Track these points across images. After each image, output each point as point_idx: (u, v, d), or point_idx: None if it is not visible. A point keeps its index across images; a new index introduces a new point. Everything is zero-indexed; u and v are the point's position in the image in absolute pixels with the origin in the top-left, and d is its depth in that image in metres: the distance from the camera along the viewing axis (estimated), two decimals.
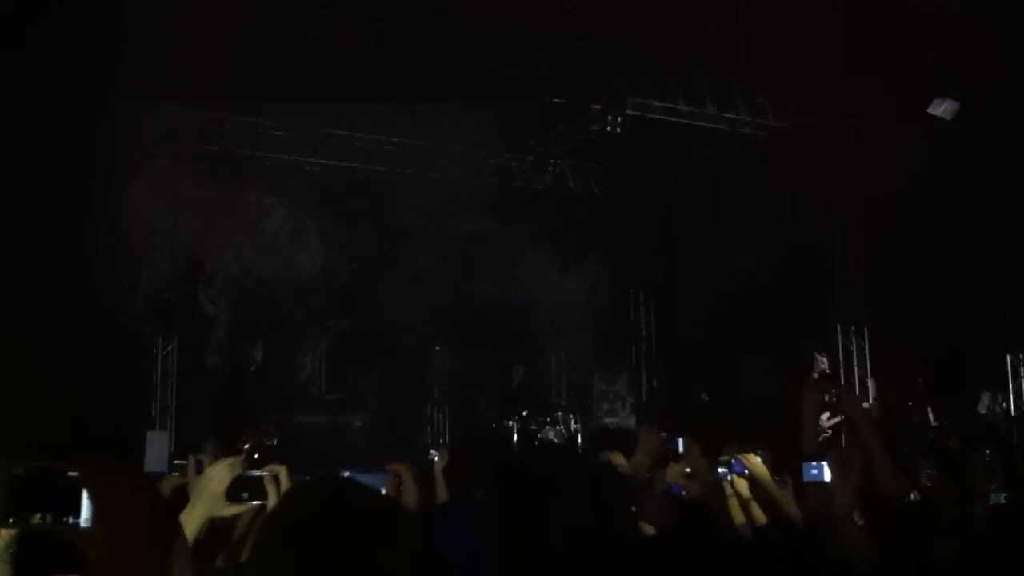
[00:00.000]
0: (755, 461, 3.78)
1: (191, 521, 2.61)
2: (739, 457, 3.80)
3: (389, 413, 10.90)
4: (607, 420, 10.38)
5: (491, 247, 11.79)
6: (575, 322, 12.14)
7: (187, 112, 10.17)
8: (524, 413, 10.95)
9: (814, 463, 3.20)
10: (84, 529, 1.43)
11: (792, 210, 10.87)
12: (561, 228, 12.19)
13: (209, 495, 2.72)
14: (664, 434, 4.27)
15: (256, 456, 7.20)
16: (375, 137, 11.24)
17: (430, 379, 12.04)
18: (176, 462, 4.27)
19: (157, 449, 9.05)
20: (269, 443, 8.80)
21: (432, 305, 11.72)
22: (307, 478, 2.78)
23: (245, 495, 2.76)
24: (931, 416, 9.27)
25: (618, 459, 4.18)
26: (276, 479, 2.71)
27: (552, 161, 12.02)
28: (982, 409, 9.52)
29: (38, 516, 1.47)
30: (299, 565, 1.52)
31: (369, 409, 10.96)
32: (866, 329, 10.97)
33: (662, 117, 10.72)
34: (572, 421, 10.89)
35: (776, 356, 10.66)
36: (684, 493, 4.19)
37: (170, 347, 10.73)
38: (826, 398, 3.47)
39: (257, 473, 2.74)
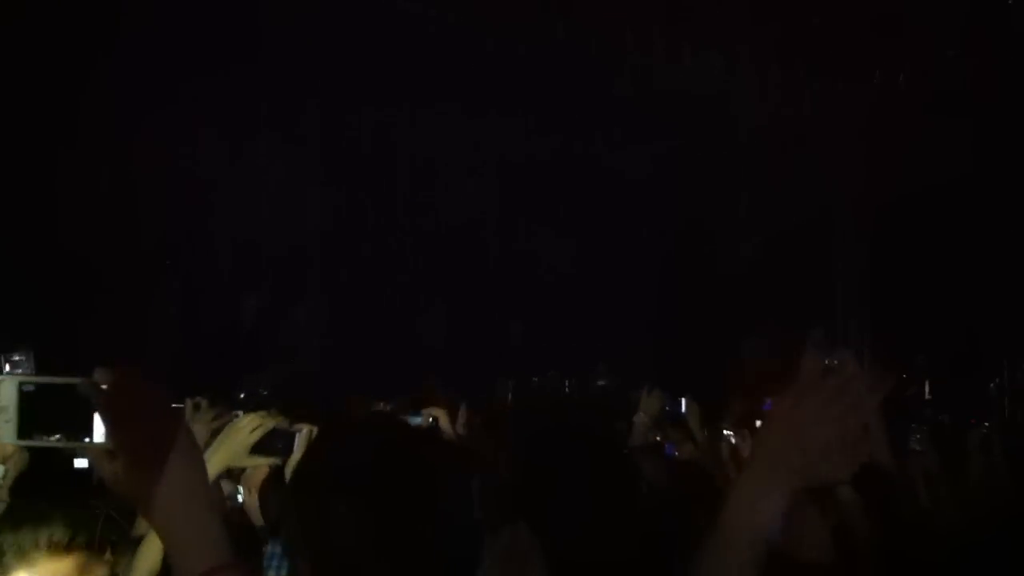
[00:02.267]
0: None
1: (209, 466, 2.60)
2: None
3: (381, 368, 10.86)
4: (600, 382, 10.36)
5: (491, 207, 11.77)
6: (573, 283, 12.12)
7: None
8: (520, 372, 10.94)
9: None
10: (96, 445, 1.42)
11: (798, 193, 10.88)
12: (561, 193, 12.15)
13: (235, 444, 2.70)
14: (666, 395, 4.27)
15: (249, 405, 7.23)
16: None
17: (423, 335, 11.95)
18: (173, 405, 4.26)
19: None
20: (263, 392, 8.80)
21: (427, 260, 11.71)
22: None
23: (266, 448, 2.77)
24: (927, 390, 9.31)
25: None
26: (310, 435, 2.70)
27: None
28: None
29: (51, 435, 1.46)
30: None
31: (361, 363, 10.92)
32: (869, 313, 11.00)
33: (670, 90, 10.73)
34: (566, 382, 10.88)
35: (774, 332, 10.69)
36: (677, 454, 4.20)
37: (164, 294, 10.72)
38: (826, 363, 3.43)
39: (292, 428, 2.74)
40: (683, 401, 4.20)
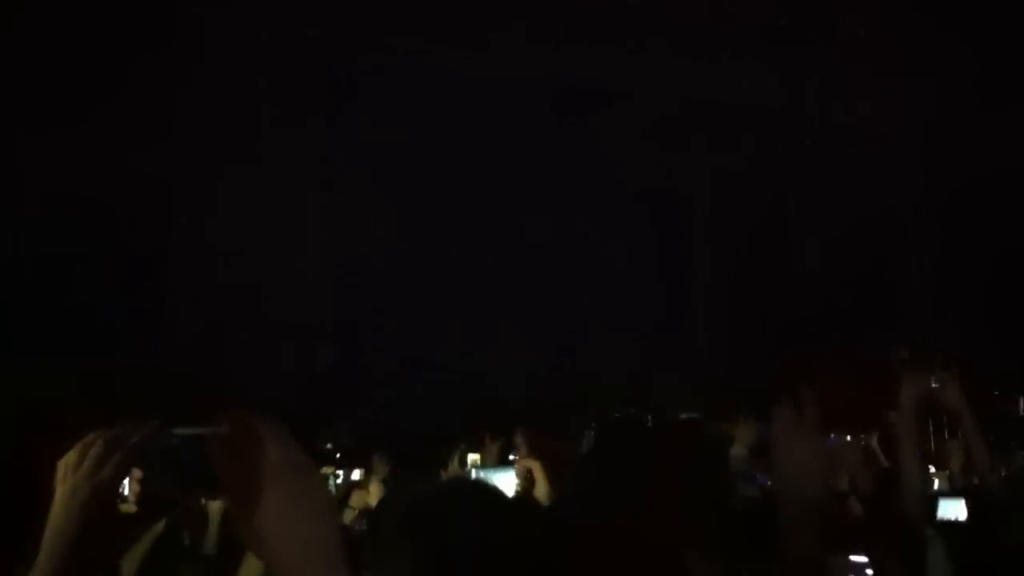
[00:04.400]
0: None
1: None
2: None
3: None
4: (684, 415, 10.18)
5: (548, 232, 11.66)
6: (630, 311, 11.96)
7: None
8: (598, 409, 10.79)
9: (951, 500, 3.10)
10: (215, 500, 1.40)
11: (863, 202, 10.71)
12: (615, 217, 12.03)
13: None
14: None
15: (338, 456, 7.22)
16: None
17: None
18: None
19: None
20: (346, 444, 8.80)
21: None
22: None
23: None
24: (1021, 406, 9.06)
25: None
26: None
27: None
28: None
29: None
30: (419, 564, 1.50)
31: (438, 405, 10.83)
32: (943, 322, 10.76)
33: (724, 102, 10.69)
34: (648, 417, 10.72)
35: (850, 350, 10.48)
36: (770, 484, 4.12)
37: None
38: (930, 385, 3.33)
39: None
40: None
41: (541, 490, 2.49)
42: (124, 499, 2.42)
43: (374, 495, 5.12)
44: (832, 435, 4.43)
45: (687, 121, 11.23)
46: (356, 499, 4.89)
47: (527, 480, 2.51)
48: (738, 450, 4.07)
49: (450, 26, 9.76)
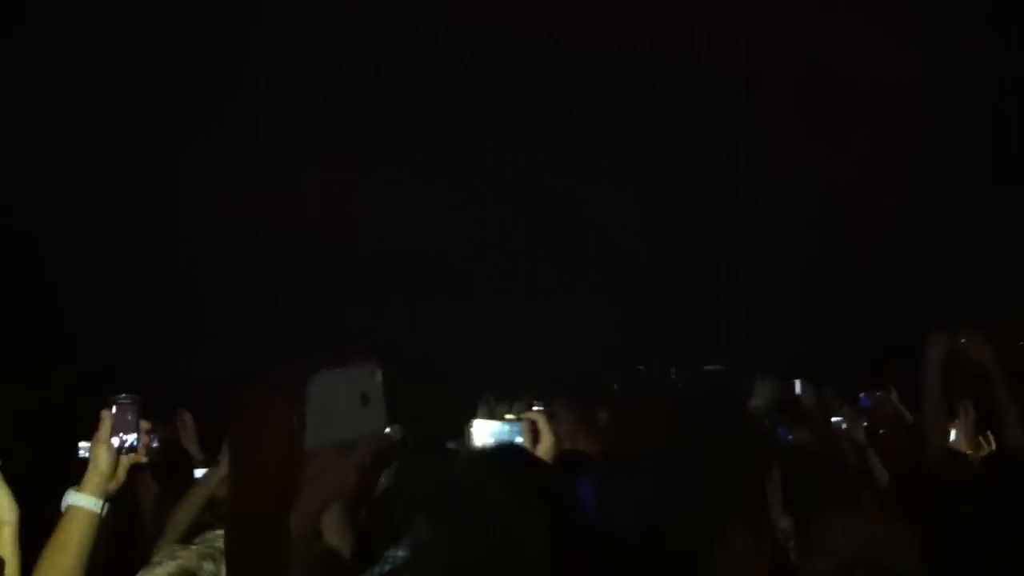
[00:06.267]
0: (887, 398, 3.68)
1: None
2: (868, 394, 3.72)
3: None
4: (708, 367, 10.06)
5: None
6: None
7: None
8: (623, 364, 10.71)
9: None
10: None
11: None
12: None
13: None
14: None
15: None
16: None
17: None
18: None
19: None
20: None
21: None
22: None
23: None
24: None
25: None
26: None
27: None
28: None
29: None
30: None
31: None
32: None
33: None
34: (672, 370, 10.62)
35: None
36: (791, 438, 4.12)
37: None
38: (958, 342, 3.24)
39: None
40: (797, 384, 4.13)
41: (546, 444, 2.47)
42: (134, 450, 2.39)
43: None
44: (863, 394, 4.43)
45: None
46: None
47: (533, 434, 2.48)
48: (757, 403, 4.06)
49: None
